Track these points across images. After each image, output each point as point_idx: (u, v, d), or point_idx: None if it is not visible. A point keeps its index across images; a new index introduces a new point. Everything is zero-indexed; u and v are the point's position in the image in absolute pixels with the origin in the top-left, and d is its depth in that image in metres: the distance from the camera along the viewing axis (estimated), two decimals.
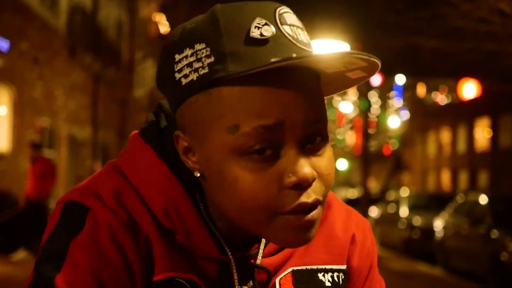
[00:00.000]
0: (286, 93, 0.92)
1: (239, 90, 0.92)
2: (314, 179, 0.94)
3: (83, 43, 22.30)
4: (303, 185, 0.93)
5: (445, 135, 43.49)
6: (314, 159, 0.96)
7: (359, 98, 35.42)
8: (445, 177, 43.03)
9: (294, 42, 0.95)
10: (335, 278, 1.15)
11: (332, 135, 38.13)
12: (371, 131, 26.02)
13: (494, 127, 35.57)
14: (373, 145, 34.26)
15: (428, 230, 16.13)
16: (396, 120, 44.32)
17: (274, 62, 0.89)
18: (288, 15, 0.97)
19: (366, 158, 20.37)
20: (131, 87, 17.68)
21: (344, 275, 1.17)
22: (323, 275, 1.14)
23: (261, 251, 1.09)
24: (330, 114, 38.29)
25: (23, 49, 17.02)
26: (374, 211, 21.66)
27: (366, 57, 0.93)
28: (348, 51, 0.91)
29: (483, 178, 36.75)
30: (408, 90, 42.49)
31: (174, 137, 1.02)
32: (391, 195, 22.27)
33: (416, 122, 46.76)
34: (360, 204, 20.21)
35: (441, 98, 43.46)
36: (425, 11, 10.53)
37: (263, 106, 0.92)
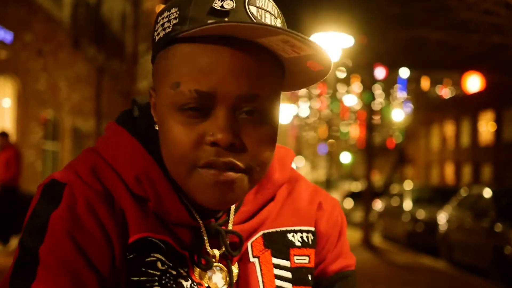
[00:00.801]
0: (224, 62, 1.00)
1: (187, 50, 1.02)
2: (232, 143, 1.01)
3: (87, 35, 22.28)
4: (220, 145, 1.01)
5: (449, 129, 43.42)
6: (245, 130, 1.04)
7: (363, 91, 35.34)
8: (449, 171, 42.98)
9: (251, 19, 1.03)
10: (304, 238, 1.22)
11: (336, 128, 38.09)
12: (374, 124, 25.98)
13: (498, 120, 35.52)
14: (377, 138, 34.21)
15: (432, 224, 16.13)
16: (400, 113, 44.25)
17: (210, 23, 0.98)
18: (262, 0, 1.06)
19: (369, 151, 20.30)
20: (134, 79, 17.66)
21: (313, 236, 1.24)
22: (293, 236, 1.21)
23: (231, 217, 1.16)
24: (334, 107, 38.25)
25: (27, 41, 17.01)
26: (377, 205, 21.64)
27: (299, 37, 0.98)
28: (282, 28, 0.99)
29: (486, 172, 36.72)
30: (412, 84, 42.39)
31: (149, 93, 1.14)
32: (394, 189, 22.26)
33: (420, 115, 46.66)
34: (364, 197, 20.16)
35: (445, 92, 43.37)
36: (431, 3, 10.48)
37: (201, 71, 1.01)
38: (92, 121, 22.12)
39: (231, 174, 1.03)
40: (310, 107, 41.78)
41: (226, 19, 1.02)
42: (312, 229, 1.24)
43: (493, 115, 36.20)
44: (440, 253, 14.96)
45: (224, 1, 1.03)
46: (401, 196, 19.57)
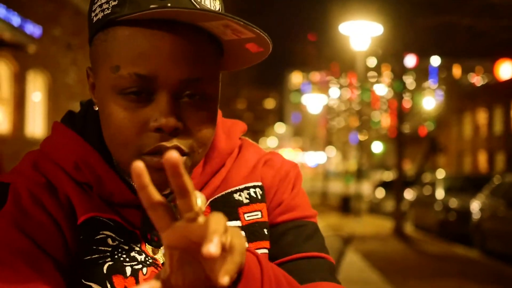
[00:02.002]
0: (165, 46, 1.00)
1: (127, 33, 1.01)
2: (176, 128, 1.02)
3: None
4: (164, 130, 1.01)
5: (481, 117, 42.98)
6: (187, 113, 1.04)
7: (393, 80, 35.07)
8: (482, 159, 42.57)
9: (195, 3, 1.03)
10: (252, 194, 1.22)
11: (366, 118, 37.87)
12: (405, 113, 25.77)
13: None
14: (408, 127, 33.96)
15: (464, 212, 15.96)
16: (431, 102, 43.87)
17: (152, 8, 0.97)
18: None
19: (400, 140, 20.16)
20: None
21: (261, 190, 1.23)
22: (239, 195, 1.21)
23: None
24: (364, 97, 38.02)
25: (56, 35, 17.13)
26: (409, 194, 21.48)
27: (243, 23, 0.99)
28: (224, 13, 0.98)
29: None
30: (443, 72, 42.02)
31: (86, 71, 1.15)
32: (426, 177, 22.06)
33: (452, 103, 46.23)
34: (395, 187, 20.02)
35: (477, 79, 42.94)
36: None
37: (141, 54, 1.00)
38: None
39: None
40: (340, 97, 41.58)
41: (168, 4, 1.02)
42: (259, 183, 1.24)
43: None
44: (473, 242, 14.80)
45: None
46: (433, 185, 19.38)
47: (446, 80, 44.77)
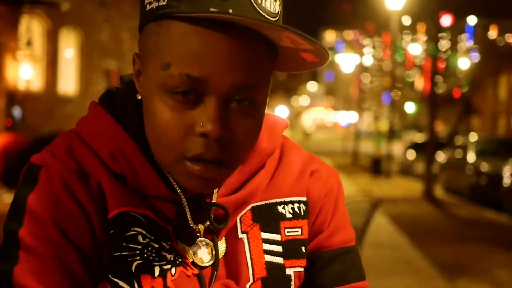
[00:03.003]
0: (220, 49, 0.96)
1: (182, 31, 0.97)
2: (221, 136, 0.98)
3: None
4: (210, 137, 0.98)
5: None
6: (235, 119, 1.01)
7: (428, 39, 34.58)
8: None
9: (255, 5, 0.99)
10: (296, 209, 1.18)
11: (400, 77, 37.54)
12: (440, 73, 25.47)
13: None
14: (442, 88, 33.60)
15: (496, 177, 15.82)
16: (466, 63, 43.29)
17: (212, 11, 0.94)
18: None
19: (433, 102, 19.95)
20: None
21: (305, 206, 1.20)
22: (283, 208, 1.18)
23: (215, 190, 1.13)
24: (398, 57, 37.62)
25: None
26: (440, 156, 21.34)
27: (304, 37, 0.96)
28: (287, 27, 0.95)
29: None
30: (480, 32, 41.36)
31: (133, 56, 1.11)
32: (458, 140, 21.89)
33: (488, 64, 45.58)
34: (427, 149, 19.89)
35: None
36: None
37: (195, 55, 0.96)
38: None
39: (216, 172, 1.02)
40: (374, 56, 41.19)
41: (230, 10, 0.97)
42: (304, 199, 1.20)
43: None
44: (504, 208, 14.70)
45: None
46: (465, 148, 19.22)
47: (482, 41, 44.09)
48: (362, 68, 42.42)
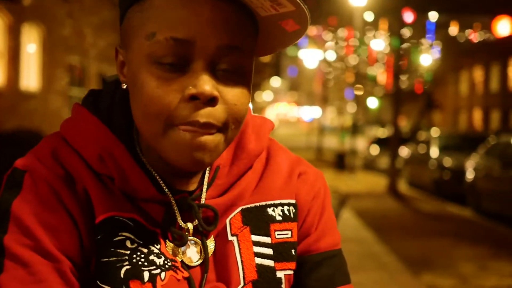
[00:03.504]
0: (203, 11, 0.97)
1: (166, 1, 0.98)
2: (213, 97, 0.98)
3: None
4: (201, 99, 0.97)
5: (478, 74, 42.92)
6: (223, 85, 1.00)
7: (391, 35, 34.86)
8: (477, 117, 42.64)
9: None
10: (286, 212, 1.18)
11: (363, 73, 37.80)
12: (402, 69, 25.69)
13: None
14: (404, 83, 33.91)
15: (459, 171, 16.03)
16: (428, 58, 43.72)
17: None
18: None
19: (397, 97, 20.12)
20: None
21: (294, 208, 1.19)
22: (273, 210, 1.17)
23: (204, 191, 1.12)
24: (361, 52, 37.87)
25: None
26: (404, 151, 21.54)
27: None
28: None
29: None
30: (441, 28, 41.81)
31: (115, 51, 1.11)
32: (421, 135, 22.12)
33: (449, 60, 46.09)
34: (391, 144, 20.05)
35: (474, 36, 42.76)
36: None
37: (179, 19, 0.97)
38: None
39: (208, 138, 1.00)
40: (337, 52, 41.41)
41: None
42: (293, 201, 1.20)
43: None
44: (467, 202, 14.89)
45: None
46: (428, 143, 19.42)
47: (443, 37, 44.58)
48: (325, 64, 42.59)
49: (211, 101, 0.99)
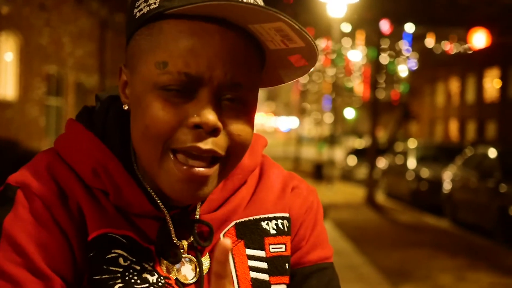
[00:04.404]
0: (213, 41, 0.97)
1: (176, 28, 0.98)
2: (216, 128, 0.97)
3: None
4: (204, 128, 0.97)
5: (454, 85, 43.26)
6: (227, 116, 1.00)
7: (368, 46, 35.08)
8: (453, 127, 42.96)
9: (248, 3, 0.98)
10: (280, 225, 1.18)
11: (340, 83, 37.96)
12: (379, 80, 25.83)
13: (504, 77, 35.37)
14: (381, 94, 34.12)
15: (436, 182, 16.13)
16: (405, 69, 44.04)
17: (208, 0, 0.92)
18: None
19: (374, 108, 20.22)
20: None
21: (288, 222, 1.19)
22: (267, 224, 1.17)
23: (198, 206, 1.11)
24: (338, 62, 38.03)
25: None
26: (381, 162, 21.64)
27: (297, 27, 0.95)
28: (283, 14, 0.93)
29: (491, 129, 36.69)
30: (417, 39, 42.14)
31: (119, 70, 1.09)
32: (399, 146, 22.24)
33: (425, 71, 46.44)
34: (368, 155, 20.13)
35: (450, 48, 43.15)
36: None
37: (191, 52, 0.96)
38: (96, 76, 22.04)
39: (206, 171, 0.99)
40: None
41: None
42: (287, 215, 1.19)
43: (499, 72, 36.03)
44: (444, 213, 14.99)
45: None
46: (405, 154, 19.55)
47: (420, 48, 44.93)
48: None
49: (214, 131, 0.98)
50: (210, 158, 1.00)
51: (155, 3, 1.00)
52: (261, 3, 1.04)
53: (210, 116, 0.96)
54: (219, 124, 0.98)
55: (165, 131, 0.98)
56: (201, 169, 0.99)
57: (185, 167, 0.98)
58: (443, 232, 13.11)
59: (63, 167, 1.07)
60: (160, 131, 0.98)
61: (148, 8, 1.01)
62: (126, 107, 1.07)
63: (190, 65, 0.96)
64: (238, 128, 1.01)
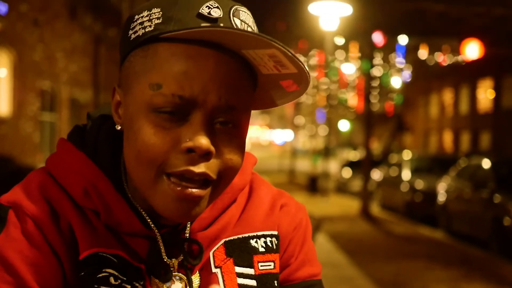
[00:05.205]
0: (208, 65, 0.98)
1: (171, 52, 0.99)
2: (209, 152, 0.98)
3: (84, 4, 22.08)
4: (196, 152, 0.98)
5: (448, 96, 43.36)
6: (220, 139, 1.01)
7: (361, 58, 35.17)
8: (447, 138, 43.01)
9: (238, 26, 1.02)
10: (268, 243, 1.19)
11: (334, 96, 38.05)
12: (373, 92, 25.90)
13: (497, 88, 35.47)
14: (375, 106, 34.19)
15: (431, 194, 16.15)
16: (398, 81, 44.14)
17: (204, 26, 0.94)
18: (244, 14, 1.05)
19: (369, 120, 20.25)
20: None
21: (277, 240, 1.20)
22: (256, 242, 1.18)
23: (188, 225, 1.12)
24: (332, 75, 38.12)
25: (22, 11, 16.85)
26: (376, 174, 21.65)
27: (290, 54, 0.97)
28: (277, 41, 0.96)
29: (485, 139, 36.75)
30: (411, 51, 42.27)
31: (112, 90, 1.10)
32: (393, 158, 22.27)
33: (419, 83, 46.57)
34: (362, 167, 20.14)
35: (443, 59, 43.27)
36: None
37: (185, 74, 0.98)
38: (90, 92, 22.04)
39: (197, 191, 1.00)
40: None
41: (221, 23, 1.01)
42: (275, 233, 1.21)
43: (492, 82, 36.13)
44: (439, 224, 14.99)
45: (211, 8, 1.01)
46: (399, 165, 19.57)
47: (413, 60, 45.07)
48: None
49: (207, 155, 0.99)
50: (202, 180, 1.00)
51: (150, 26, 1.02)
52: (255, 29, 1.08)
53: (203, 141, 0.97)
54: (212, 148, 0.99)
55: (158, 156, 0.99)
56: (195, 190, 1.00)
57: (179, 188, 0.99)
58: (438, 243, 13.11)
59: (55, 187, 1.09)
60: (153, 156, 0.99)
61: (143, 30, 1.02)
62: (119, 127, 1.08)
63: (184, 88, 0.98)
64: (230, 152, 1.03)
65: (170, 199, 1.00)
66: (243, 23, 1.04)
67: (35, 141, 17.74)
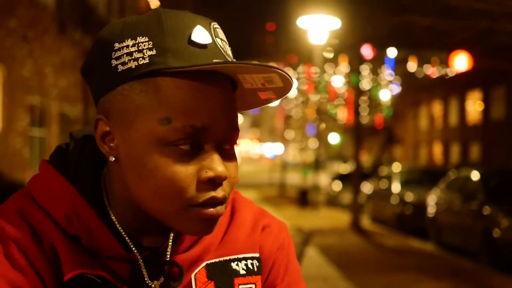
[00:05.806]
0: (216, 97, 1.01)
1: (176, 85, 0.99)
2: (226, 177, 1.02)
3: (73, 19, 22.07)
4: (217, 181, 1.02)
5: (437, 108, 43.52)
6: (226, 161, 1.05)
7: (350, 71, 35.24)
8: (437, 150, 43.14)
9: (224, 53, 1.05)
10: (249, 266, 1.20)
11: (323, 109, 38.07)
12: (362, 104, 25.98)
13: (486, 99, 35.63)
14: (364, 118, 34.28)
15: (420, 206, 16.19)
16: (387, 94, 44.28)
17: (217, 62, 0.98)
18: (219, 31, 1.08)
19: (358, 133, 20.29)
20: None
21: (258, 262, 1.22)
22: (237, 264, 1.19)
23: (169, 248, 1.13)
24: (321, 89, 38.19)
25: (11, 26, 16.83)
26: (366, 187, 21.68)
27: (287, 77, 1.01)
28: (277, 67, 1.00)
29: (475, 151, 36.87)
30: (399, 64, 42.45)
31: (95, 121, 1.08)
32: (383, 171, 22.31)
33: (408, 95, 46.71)
34: (352, 179, 20.17)
35: (432, 71, 43.49)
36: None
37: (195, 106, 0.99)
38: (80, 107, 22.01)
39: (221, 208, 1.04)
40: (298, 88, 41.80)
41: (214, 59, 1.03)
42: (257, 255, 1.22)
43: (481, 94, 36.30)
44: (429, 236, 15.02)
45: (200, 34, 1.03)
46: (389, 178, 19.61)
47: (402, 72, 45.25)
48: (286, 100, 42.84)
49: (224, 180, 1.03)
50: (224, 201, 1.05)
51: (143, 58, 1.01)
52: (226, 40, 1.10)
53: (220, 169, 1.01)
54: (227, 173, 1.04)
55: (183, 190, 1.01)
56: (219, 208, 1.04)
57: (205, 211, 1.03)
58: (428, 255, 13.13)
59: (36, 209, 1.10)
60: (178, 191, 1.01)
61: (136, 63, 1.01)
62: (113, 159, 1.07)
63: (194, 118, 1.00)
64: (234, 171, 1.07)
65: (197, 222, 1.03)
66: (222, 41, 1.07)
67: (24, 157, 17.68)
